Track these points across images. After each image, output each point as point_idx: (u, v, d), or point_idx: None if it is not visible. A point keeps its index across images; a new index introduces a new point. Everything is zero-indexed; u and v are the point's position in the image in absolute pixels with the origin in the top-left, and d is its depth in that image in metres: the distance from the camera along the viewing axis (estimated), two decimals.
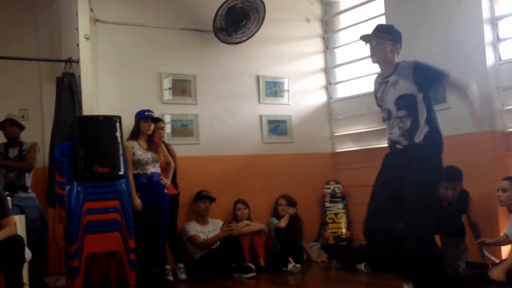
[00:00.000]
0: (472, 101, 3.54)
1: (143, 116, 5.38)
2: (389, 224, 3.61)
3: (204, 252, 5.74)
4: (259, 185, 6.50)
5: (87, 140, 4.77)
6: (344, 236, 6.67)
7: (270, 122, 6.76)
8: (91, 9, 5.67)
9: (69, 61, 5.56)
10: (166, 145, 5.73)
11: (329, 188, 6.86)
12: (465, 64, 5.40)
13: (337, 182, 6.89)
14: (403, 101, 3.59)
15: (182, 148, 6.07)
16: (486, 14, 5.31)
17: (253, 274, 5.51)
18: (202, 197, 5.97)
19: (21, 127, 5.45)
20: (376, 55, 3.73)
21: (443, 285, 3.64)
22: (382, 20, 6.24)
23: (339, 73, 7.22)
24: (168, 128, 6.07)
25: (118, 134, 4.88)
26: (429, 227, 3.48)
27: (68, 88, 5.46)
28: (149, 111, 5.43)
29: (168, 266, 5.48)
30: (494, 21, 5.34)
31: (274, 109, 6.80)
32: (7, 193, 4.65)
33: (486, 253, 4.88)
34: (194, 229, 5.84)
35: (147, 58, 6.06)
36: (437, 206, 4.84)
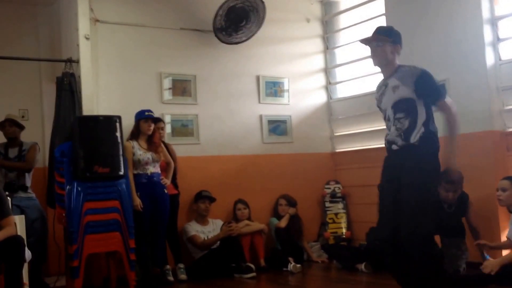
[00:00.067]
0: (452, 142, 3.54)
1: (143, 116, 5.38)
2: (397, 227, 3.58)
3: (204, 252, 5.74)
4: (259, 185, 6.49)
5: (87, 140, 4.77)
6: (344, 236, 6.67)
7: (270, 122, 6.76)
8: (91, 9, 5.67)
9: (69, 61, 5.56)
10: (166, 145, 5.73)
11: (329, 188, 6.86)
12: (465, 64, 5.41)
13: (337, 182, 6.89)
14: (402, 105, 3.58)
15: (182, 148, 6.07)
16: (486, 14, 5.31)
17: (253, 274, 5.51)
18: (202, 197, 5.97)
19: (21, 127, 5.45)
20: (377, 58, 3.72)
21: (443, 285, 3.63)
22: (382, 20, 6.25)
23: (339, 73, 7.22)
24: (168, 128, 6.07)
25: (118, 134, 4.88)
26: (429, 228, 3.47)
27: (68, 88, 5.46)
28: (149, 111, 5.43)
29: (168, 266, 5.48)
30: (494, 21, 5.34)
31: (274, 109, 6.80)
32: (7, 193, 4.64)
33: (488, 256, 4.87)
34: (194, 229, 5.84)
35: (147, 58, 6.06)
36: (436, 207, 4.87)
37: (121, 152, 4.87)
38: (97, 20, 5.76)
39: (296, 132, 6.89)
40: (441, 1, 5.64)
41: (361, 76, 6.79)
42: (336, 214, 6.78)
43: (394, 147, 3.65)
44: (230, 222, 5.92)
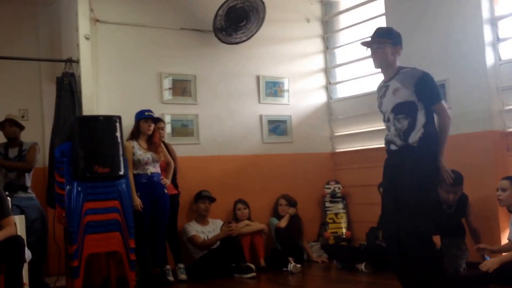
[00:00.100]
0: (441, 144, 3.58)
1: (143, 116, 5.38)
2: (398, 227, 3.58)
3: (204, 252, 5.74)
4: (259, 185, 6.49)
5: (87, 140, 4.77)
6: (344, 236, 6.67)
7: (270, 122, 6.76)
8: (91, 9, 5.67)
9: (69, 61, 5.56)
10: (166, 145, 5.73)
11: (329, 188, 6.86)
12: (464, 64, 5.41)
13: (337, 182, 6.89)
14: (402, 107, 3.59)
15: (182, 148, 6.07)
16: (486, 14, 5.31)
17: (253, 274, 5.51)
18: (202, 197, 5.97)
19: (21, 127, 5.45)
20: (377, 60, 3.72)
21: (443, 286, 3.63)
22: (382, 20, 6.25)
23: (339, 73, 7.22)
24: (168, 128, 6.07)
25: (118, 134, 4.88)
26: (428, 228, 3.47)
27: (68, 88, 5.46)
28: (149, 111, 5.43)
29: (168, 266, 5.48)
30: (494, 21, 5.34)
31: (274, 109, 6.80)
32: (7, 193, 4.64)
33: (488, 258, 4.87)
34: (194, 229, 5.84)
35: (147, 58, 6.06)
36: (436, 207, 4.87)
37: (121, 152, 4.87)
38: (97, 20, 5.76)
39: (296, 132, 6.89)
40: (441, 1, 5.64)
41: (361, 76, 6.79)
42: (336, 214, 6.78)
43: (393, 147, 3.65)
44: (230, 222, 5.92)
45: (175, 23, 6.24)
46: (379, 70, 3.81)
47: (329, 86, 7.20)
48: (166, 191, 5.42)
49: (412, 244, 3.45)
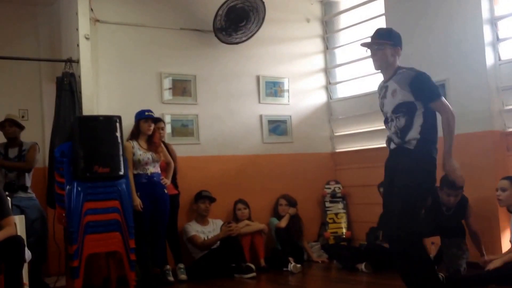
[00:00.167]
0: (446, 143, 3.49)
1: (143, 116, 5.38)
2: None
3: (204, 252, 5.74)
4: (259, 185, 6.49)
5: (87, 140, 4.77)
6: (344, 236, 6.67)
7: (270, 122, 6.76)
8: (91, 9, 5.67)
9: (69, 61, 5.56)
10: (166, 145, 5.73)
11: (329, 188, 6.86)
12: (464, 64, 5.41)
13: (337, 182, 6.89)
14: (401, 107, 3.58)
15: (182, 148, 6.07)
16: (485, 14, 5.31)
17: (254, 274, 5.51)
18: (202, 197, 5.97)
19: (21, 127, 5.45)
20: (377, 61, 3.70)
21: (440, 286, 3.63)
22: (382, 20, 6.25)
23: (339, 73, 7.22)
24: (168, 128, 6.07)
25: (118, 134, 4.88)
26: (413, 229, 3.44)
27: (68, 88, 5.46)
28: (149, 111, 5.43)
29: (168, 267, 5.47)
30: (493, 21, 5.35)
31: (274, 109, 6.80)
32: (7, 193, 4.64)
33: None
34: (194, 229, 5.84)
35: (147, 58, 6.06)
36: (435, 208, 4.88)
37: (121, 152, 4.87)
38: (97, 20, 5.76)
39: (296, 132, 6.89)
40: (441, 1, 5.64)
41: (361, 76, 6.79)
42: (336, 214, 6.78)
43: (392, 145, 3.67)
44: (230, 222, 5.92)
45: (175, 23, 6.24)
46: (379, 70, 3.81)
47: (329, 86, 7.20)
48: (166, 191, 5.42)
49: (397, 244, 3.47)
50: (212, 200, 5.99)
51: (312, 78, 7.12)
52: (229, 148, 6.44)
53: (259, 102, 6.70)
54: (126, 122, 5.18)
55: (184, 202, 5.93)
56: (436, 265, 4.60)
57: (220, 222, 5.99)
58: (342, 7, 7.14)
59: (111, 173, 4.78)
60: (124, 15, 5.97)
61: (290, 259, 5.81)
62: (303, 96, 7.01)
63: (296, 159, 6.80)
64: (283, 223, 6.25)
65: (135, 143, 5.32)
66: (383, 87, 3.74)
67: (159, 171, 5.42)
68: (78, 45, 5.52)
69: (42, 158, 5.79)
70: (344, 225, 6.74)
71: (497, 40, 5.34)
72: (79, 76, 5.51)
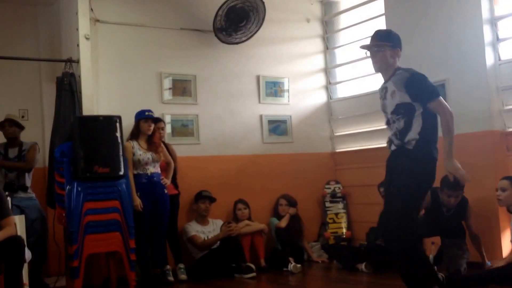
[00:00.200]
0: (446, 143, 3.47)
1: (143, 116, 5.38)
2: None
3: (204, 253, 5.74)
4: (260, 185, 6.49)
5: (87, 140, 4.77)
6: (344, 236, 6.67)
7: (270, 122, 6.76)
8: (91, 9, 5.67)
9: (69, 61, 5.56)
10: (166, 145, 5.73)
11: (329, 188, 6.86)
12: (464, 64, 5.41)
13: (337, 182, 6.89)
14: (401, 109, 3.58)
15: (182, 148, 6.07)
16: (485, 14, 5.31)
17: (254, 274, 5.51)
18: (203, 197, 5.97)
19: (21, 127, 5.45)
20: (377, 63, 3.70)
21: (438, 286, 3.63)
22: (382, 20, 6.25)
23: (339, 73, 7.22)
24: (168, 128, 6.07)
25: (118, 134, 4.88)
26: (408, 229, 3.43)
27: (68, 88, 5.46)
28: (149, 111, 5.43)
29: (168, 267, 5.48)
30: (493, 21, 5.35)
31: (274, 109, 6.80)
32: (7, 193, 4.64)
33: (489, 263, 4.88)
34: (194, 229, 5.84)
35: (147, 58, 6.06)
36: (435, 209, 4.88)
37: (121, 152, 4.87)
38: (97, 20, 5.76)
39: (296, 132, 6.89)
40: (440, 1, 5.64)
41: (361, 76, 6.79)
42: (336, 214, 6.78)
43: (392, 147, 3.67)
44: (230, 222, 5.92)
45: (175, 23, 6.24)
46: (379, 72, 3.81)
47: (329, 86, 7.20)
48: (166, 191, 5.41)
49: (390, 244, 3.47)
50: (212, 200, 5.98)
51: (312, 78, 7.12)
52: (229, 148, 6.44)
53: (259, 102, 6.70)
54: (126, 122, 5.18)
55: (184, 202, 5.93)
56: (436, 265, 4.62)
57: (220, 222, 5.99)
58: (342, 7, 7.14)
59: (111, 173, 4.78)
60: (124, 15, 5.97)
61: (290, 259, 5.81)
62: (303, 96, 7.01)
63: (296, 159, 6.80)
64: (283, 223, 6.25)
65: (135, 143, 5.32)
66: (383, 88, 3.74)
67: (159, 171, 5.42)
68: (78, 45, 5.52)
69: (42, 158, 5.79)
70: (344, 225, 6.74)
71: (497, 40, 5.34)
72: (79, 76, 5.51)
